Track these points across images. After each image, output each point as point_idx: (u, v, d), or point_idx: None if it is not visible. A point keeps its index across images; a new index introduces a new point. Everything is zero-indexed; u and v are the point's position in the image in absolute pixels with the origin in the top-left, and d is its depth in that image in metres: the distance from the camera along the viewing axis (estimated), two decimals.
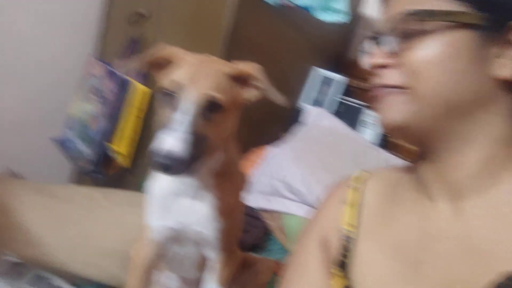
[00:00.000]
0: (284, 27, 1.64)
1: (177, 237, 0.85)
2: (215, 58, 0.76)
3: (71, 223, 1.11)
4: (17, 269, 1.03)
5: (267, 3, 1.52)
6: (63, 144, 1.94)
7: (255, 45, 1.59)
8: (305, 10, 1.61)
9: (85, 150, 1.83)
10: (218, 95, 0.68)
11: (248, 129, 1.69)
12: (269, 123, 1.75)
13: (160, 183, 0.82)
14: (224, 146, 0.78)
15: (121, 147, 1.71)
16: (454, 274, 0.50)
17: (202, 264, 0.92)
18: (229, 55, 1.51)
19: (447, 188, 0.54)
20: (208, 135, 0.68)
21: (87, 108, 1.86)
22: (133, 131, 1.70)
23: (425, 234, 0.54)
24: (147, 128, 1.71)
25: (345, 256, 0.62)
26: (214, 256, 0.87)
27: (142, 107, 1.69)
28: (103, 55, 1.98)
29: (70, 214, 1.12)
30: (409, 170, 0.62)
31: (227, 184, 0.82)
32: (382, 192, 0.63)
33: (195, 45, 1.61)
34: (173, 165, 0.62)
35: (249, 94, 0.75)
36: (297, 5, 1.58)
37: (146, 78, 1.72)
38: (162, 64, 0.76)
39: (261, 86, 0.73)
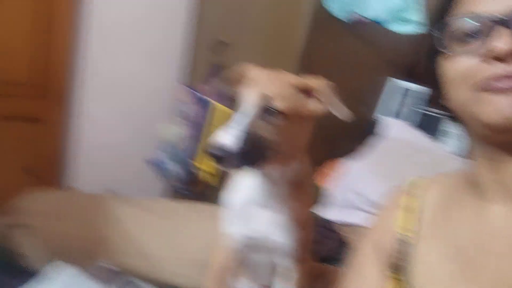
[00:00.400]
0: (357, 41, 1.66)
1: (253, 245, 0.90)
2: (286, 73, 0.80)
3: (157, 234, 1.21)
4: (110, 274, 1.15)
5: (339, 20, 1.56)
6: (155, 165, 2.11)
7: (329, 62, 1.62)
8: (377, 23, 1.62)
9: (175, 169, 1.97)
10: (276, 99, 0.72)
11: (322, 142, 1.71)
12: (344, 135, 1.75)
13: (238, 194, 0.88)
14: (299, 157, 0.82)
15: (208, 166, 1.82)
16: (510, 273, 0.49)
17: (278, 273, 0.96)
18: (303, 74, 1.57)
19: (504, 190, 0.53)
20: (266, 136, 0.73)
21: (176, 131, 2.01)
22: None
23: (482, 235, 0.54)
24: None
25: (401, 259, 0.62)
26: (286, 264, 0.91)
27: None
28: (190, 82, 2.14)
29: (156, 225, 1.23)
30: (464, 174, 0.61)
31: (302, 195, 0.86)
32: (441, 197, 0.63)
33: (272, 67, 1.69)
34: (224, 157, 0.68)
35: (314, 106, 0.79)
36: (369, 19, 1.59)
37: (228, 99, 1.83)
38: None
39: (323, 100, 0.76)
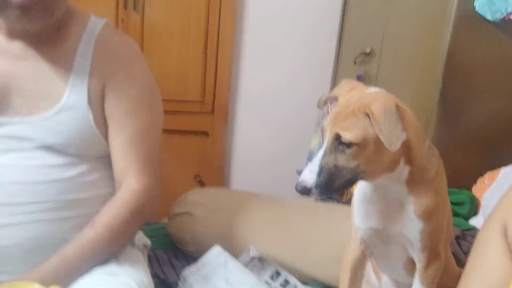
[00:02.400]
0: (510, 43, 1.56)
1: (379, 236, 0.95)
2: (369, 94, 0.84)
3: (300, 229, 1.33)
4: (260, 264, 1.31)
5: (487, 20, 1.49)
6: None
7: (478, 66, 1.56)
8: None
9: None
10: (345, 134, 0.78)
11: (481, 150, 1.64)
12: (505, 143, 1.65)
13: (362, 190, 0.96)
14: (407, 160, 0.86)
15: None
16: None
17: (412, 268, 0.98)
18: (449, 80, 1.53)
19: None
20: (346, 166, 0.80)
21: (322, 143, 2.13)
22: None
23: None
24: None
25: None
26: (417, 257, 0.94)
27: None
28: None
29: (299, 221, 1.35)
30: None
31: (421, 190, 0.89)
32: None
33: (414, 76, 1.71)
34: (305, 192, 0.79)
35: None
36: None
37: None
38: None
39: (376, 128, 0.78)
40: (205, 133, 2.36)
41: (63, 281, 0.91)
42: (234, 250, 1.28)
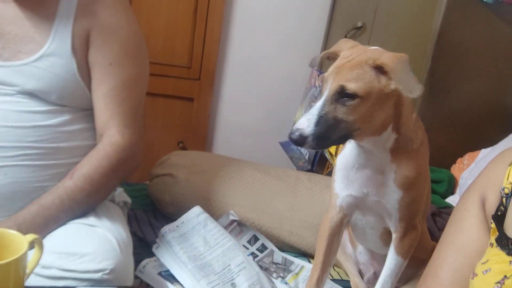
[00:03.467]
0: (503, 25, 1.56)
1: (358, 204, 0.96)
2: (372, 49, 0.82)
3: (280, 197, 1.34)
4: (239, 228, 1.31)
5: (480, 1, 1.49)
6: (287, 147, 2.26)
7: (468, 47, 1.55)
8: None
9: (304, 151, 2.09)
10: (350, 85, 0.76)
11: (464, 131, 1.66)
12: (488, 126, 1.67)
13: (344, 157, 0.96)
14: (395, 126, 0.86)
15: (332, 148, 1.90)
16: None
17: (387, 238, 1.00)
18: (438, 59, 1.53)
19: None
20: (344, 119, 0.78)
21: None
22: None
23: None
24: None
25: (501, 210, 0.64)
26: (394, 227, 0.95)
27: None
28: (322, 67, 2.24)
29: (280, 189, 1.35)
30: None
31: (404, 159, 0.90)
32: None
33: (405, 52, 1.69)
34: (301, 140, 0.76)
35: (386, 83, 0.79)
36: None
37: None
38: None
39: (393, 77, 0.77)
40: (191, 99, 2.33)
41: (40, 230, 0.90)
42: (214, 213, 1.29)
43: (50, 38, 0.98)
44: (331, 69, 0.81)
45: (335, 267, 1.25)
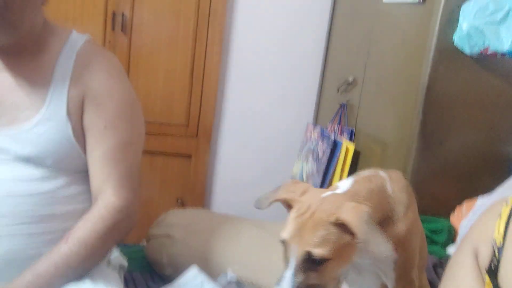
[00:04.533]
0: (488, 76, 1.61)
1: (353, 265, 0.94)
2: (327, 198, 0.79)
3: (278, 254, 1.32)
4: (235, 285, 1.29)
5: (465, 54, 1.54)
6: None
7: (457, 98, 1.59)
8: (510, 56, 1.55)
9: None
10: (316, 251, 0.72)
11: (459, 180, 1.67)
12: (483, 174, 1.68)
13: None
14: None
15: None
16: None
17: None
18: (429, 111, 1.57)
19: None
20: (318, 283, 0.74)
21: (305, 168, 2.15)
22: None
23: None
24: None
25: (493, 264, 0.64)
26: (390, 285, 0.94)
27: (346, 162, 1.86)
28: (317, 120, 2.28)
29: (277, 246, 1.34)
30: None
31: (391, 225, 0.88)
32: None
33: (395, 105, 1.75)
34: None
35: (355, 241, 0.76)
36: (500, 53, 1.54)
37: (353, 134, 1.93)
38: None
39: (359, 238, 0.73)
40: (189, 156, 2.36)
41: None
42: (212, 273, 1.27)
43: (45, 104, 1.00)
44: (291, 231, 0.77)
45: None
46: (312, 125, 2.19)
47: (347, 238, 0.75)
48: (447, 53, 1.56)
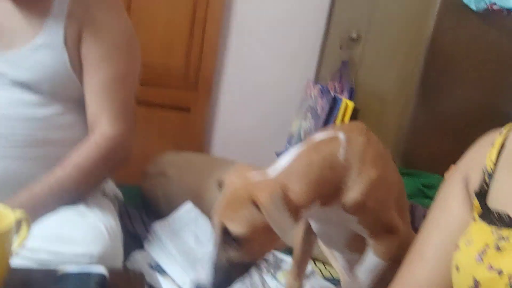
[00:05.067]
0: (492, 32, 1.59)
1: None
2: (255, 180, 0.78)
3: None
4: None
5: (471, 9, 1.52)
6: None
7: (459, 53, 1.58)
8: None
9: None
10: (232, 228, 0.73)
11: (456, 137, 1.66)
12: (480, 131, 1.67)
13: None
14: (324, 202, 0.82)
15: None
16: None
17: (357, 245, 0.95)
18: (430, 64, 1.56)
19: None
20: (238, 260, 0.75)
21: (303, 125, 2.15)
22: None
23: None
24: None
25: (483, 188, 0.65)
26: (366, 235, 0.91)
27: (344, 119, 1.86)
28: (318, 78, 2.27)
29: None
30: None
31: (340, 197, 0.85)
32: None
33: (397, 61, 1.74)
34: None
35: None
36: (505, 8, 1.52)
37: (352, 92, 1.92)
38: None
39: (266, 216, 0.73)
40: (187, 109, 2.35)
41: (28, 216, 0.90)
42: (206, 212, 1.28)
43: (42, 31, 1.01)
44: (217, 207, 0.78)
45: (326, 266, 1.24)
46: (312, 82, 2.17)
47: (263, 218, 0.74)
48: (453, 8, 1.54)
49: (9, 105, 0.98)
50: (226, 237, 0.74)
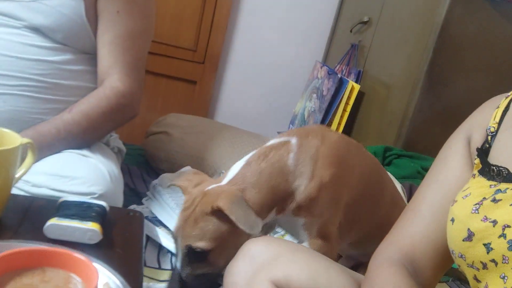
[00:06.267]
0: (503, 22, 1.59)
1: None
2: (211, 189, 0.77)
3: None
4: None
5: None
6: None
7: (469, 42, 1.59)
8: None
9: None
10: (196, 244, 0.73)
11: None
12: None
13: None
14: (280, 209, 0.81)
15: None
16: None
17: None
18: (439, 51, 1.57)
19: None
20: (206, 272, 0.75)
21: (307, 106, 2.15)
22: (339, 123, 1.90)
23: None
24: (352, 122, 1.89)
25: (485, 147, 0.66)
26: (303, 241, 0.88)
27: (349, 101, 1.87)
28: (327, 60, 2.27)
29: None
30: None
31: (291, 202, 0.83)
32: None
33: (407, 46, 1.74)
34: None
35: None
36: None
37: (360, 75, 1.92)
38: None
39: (232, 218, 0.73)
40: (193, 82, 2.36)
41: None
42: (206, 173, 1.29)
43: None
44: (177, 225, 0.78)
45: None
46: (320, 63, 2.18)
47: (227, 225, 0.74)
48: None
49: (22, 47, 0.99)
50: (191, 254, 0.75)
